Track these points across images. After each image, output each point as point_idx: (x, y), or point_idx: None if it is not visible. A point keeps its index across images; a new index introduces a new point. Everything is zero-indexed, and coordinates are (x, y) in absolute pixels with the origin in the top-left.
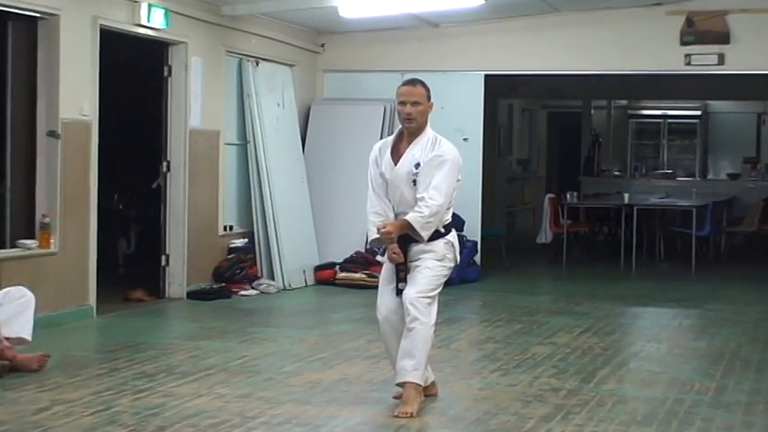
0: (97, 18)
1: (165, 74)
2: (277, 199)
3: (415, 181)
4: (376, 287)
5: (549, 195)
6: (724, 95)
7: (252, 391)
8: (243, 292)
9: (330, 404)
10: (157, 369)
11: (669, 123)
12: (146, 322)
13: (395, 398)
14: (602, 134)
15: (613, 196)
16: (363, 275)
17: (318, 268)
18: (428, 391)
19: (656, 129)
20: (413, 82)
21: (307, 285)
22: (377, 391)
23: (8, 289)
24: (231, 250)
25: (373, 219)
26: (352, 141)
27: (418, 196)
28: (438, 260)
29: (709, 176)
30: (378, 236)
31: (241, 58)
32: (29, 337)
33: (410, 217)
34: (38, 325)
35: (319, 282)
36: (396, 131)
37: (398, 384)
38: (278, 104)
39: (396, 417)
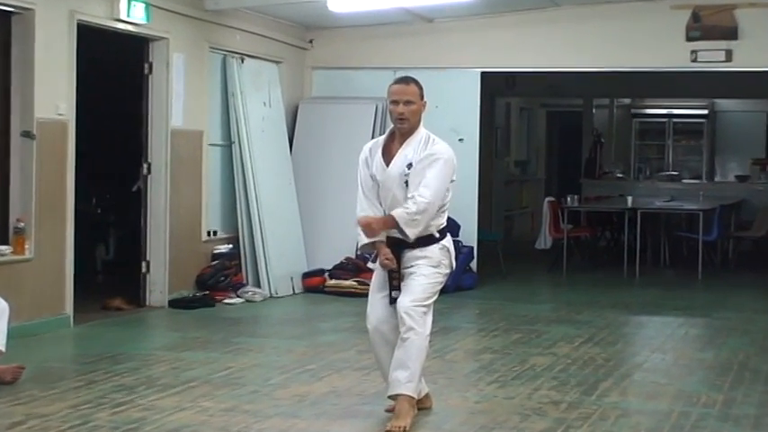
0: (74, 13)
1: (146, 71)
2: (263, 202)
3: (407, 182)
4: (367, 295)
5: (548, 198)
6: (732, 94)
7: (236, 405)
8: (227, 301)
9: (319, 418)
10: (137, 381)
11: (674, 123)
12: (125, 332)
13: (387, 411)
14: (604, 134)
15: (616, 199)
16: (354, 283)
17: (306, 275)
18: (422, 404)
19: (661, 129)
20: (405, 80)
21: (294, 293)
22: (368, 405)
23: None
24: (215, 256)
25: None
26: (342, 142)
27: (408, 195)
28: (433, 266)
29: (717, 179)
30: (368, 241)
31: (225, 55)
32: (2, 348)
33: (395, 212)
34: (12, 335)
35: (307, 289)
36: (387, 131)
37: (391, 397)
38: (264, 103)
39: (388, 431)
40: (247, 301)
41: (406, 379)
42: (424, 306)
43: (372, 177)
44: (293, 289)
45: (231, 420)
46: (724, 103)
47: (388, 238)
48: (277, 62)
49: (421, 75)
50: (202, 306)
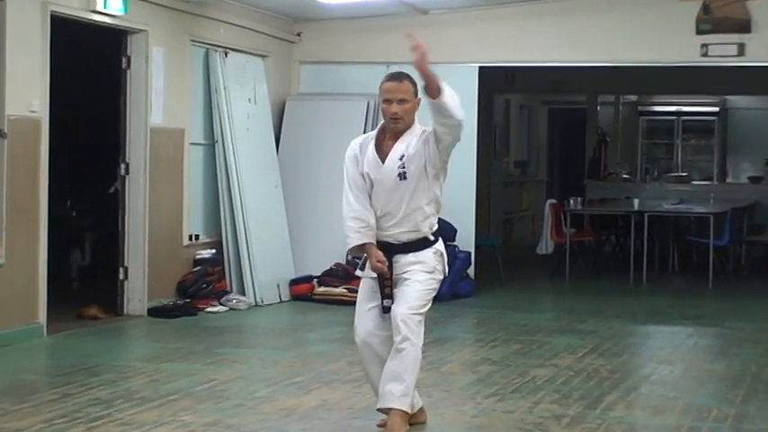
0: (48, 4)
1: (124, 65)
2: (248, 205)
3: (401, 174)
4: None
5: (550, 201)
6: (745, 90)
7: (220, 419)
8: (210, 309)
9: None
10: (115, 395)
11: (684, 121)
12: (102, 342)
13: (379, 426)
14: (609, 133)
15: (622, 202)
16: (344, 290)
17: (294, 282)
18: (416, 419)
19: (670, 127)
20: (398, 77)
21: (281, 301)
22: (359, 419)
23: None
24: (197, 262)
25: (352, 225)
26: (332, 141)
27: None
28: (428, 272)
29: (729, 180)
30: (356, 244)
31: (208, 49)
32: None
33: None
34: None
35: (295, 297)
36: (378, 127)
37: (382, 410)
38: (249, 100)
39: None
40: (231, 309)
41: (400, 392)
42: (420, 314)
43: (364, 176)
44: (280, 296)
45: None
46: (736, 100)
47: (379, 242)
48: (263, 56)
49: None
50: (184, 315)
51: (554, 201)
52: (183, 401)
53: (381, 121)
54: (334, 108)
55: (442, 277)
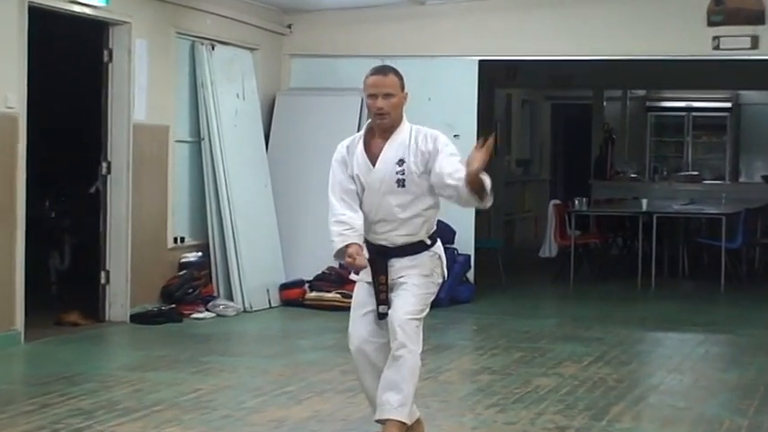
0: None
1: (105, 59)
2: (236, 206)
3: (399, 181)
4: (350, 308)
5: (553, 201)
6: (758, 84)
7: (206, 431)
8: (196, 315)
9: None
10: (96, 405)
11: (694, 117)
12: (82, 350)
13: None
14: (615, 130)
15: (629, 203)
16: (337, 295)
17: (284, 287)
18: (413, 431)
19: (679, 123)
20: (382, 70)
21: (271, 307)
22: (353, 431)
23: None
24: (182, 266)
25: (335, 229)
26: (324, 138)
27: (458, 176)
28: (425, 276)
29: (742, 179)
30: (342, 246)
31: (194, 41)
32: None
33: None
34: None
35: (285, 302)
36: (364, 128)
37: (379, 421)
38: (237, 95)
39: None
40: (218, 315)
41: (397, 402)
42: (418, 319)
43: (354, 178)
44: (269, 302)
45: None
46: (749, 95)
47: (372, 245)
48: (252, 49)
49: (412, 63)
50: (168, 321)
51: (558, 201)
52: (168, 412)
53: (368, 120)
54: (326, 104)
55: (440, 281)
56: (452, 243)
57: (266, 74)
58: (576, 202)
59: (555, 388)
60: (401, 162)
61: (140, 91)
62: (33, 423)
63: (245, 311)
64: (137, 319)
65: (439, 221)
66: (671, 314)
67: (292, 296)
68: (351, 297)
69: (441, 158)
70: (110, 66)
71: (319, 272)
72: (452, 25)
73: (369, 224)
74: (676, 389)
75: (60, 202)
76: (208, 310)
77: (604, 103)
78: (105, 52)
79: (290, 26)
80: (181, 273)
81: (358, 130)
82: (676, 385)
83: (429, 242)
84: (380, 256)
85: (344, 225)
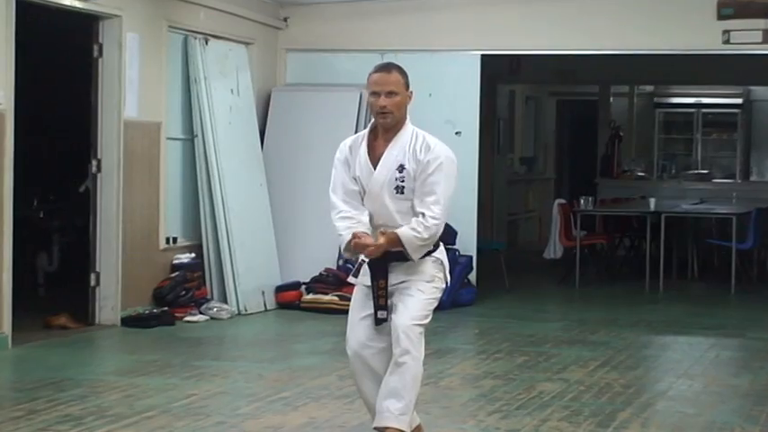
0: None
1: (95, 54)
2: (230, 205)
3: (398, 188)
4: (348, 311)
5: (558, 201)
6: None
7: None
8: (189, 318)
9: None
10: (85, 411)
11: (704, 114)
12: (71, 354)
13: None
14: (622, 127)
15: (636, 202)
16: (334, 298)
17: (280, 289)
18: None
19: (689, 120)
20: (386, 67)
21: (266, 309)
22: None
23: None
24: (175, 267)
25: (341, 224)
26: (321, 135)
27: (418, 210)
28: (428, 281)
29: (753, 178)
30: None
31: (187, 35)
32: None
33: (403, 233)
34: None
35: (281, 305)
36: (368, 127)
37: (378, 429)
38: (231, 91)
39: None
40: (212, 318)
41: (398, 411)
42: (422, 326)
43: (355, 180)
44: (265, 305)
45: None
46: (761, 91)
47: None
48: (246, 43)
49: (412, 58)
50: (160, 324)
51: (563, 201)
52: (160, 419)
53: (372, 120)
54: (323, 100)
55: (443, 286)
56: (454, 244)
57: (261, 69)
58: (582, 201)
59: (560, 393)
60: (401, 168)
61: (131, 87)
62: (21, 430)
63: (239, 314)
64: (128, 322)
65: None
66: (680, 317)
67: (288, 299)
68: (349, 300)
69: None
70: (100, 61)
71: (316, 274)
72: (454, 18)
73: (371, 228)
74: (685, 394)
75: (49, 202)
76: (201, 312)
77: (611, 100)
78: (95, 47)
79: (286, 20)
80: (173, 274)
81: (356, 128)
82: (685, 391)
83: (431, 247)
84: (380, 261)
85: (352, 219)
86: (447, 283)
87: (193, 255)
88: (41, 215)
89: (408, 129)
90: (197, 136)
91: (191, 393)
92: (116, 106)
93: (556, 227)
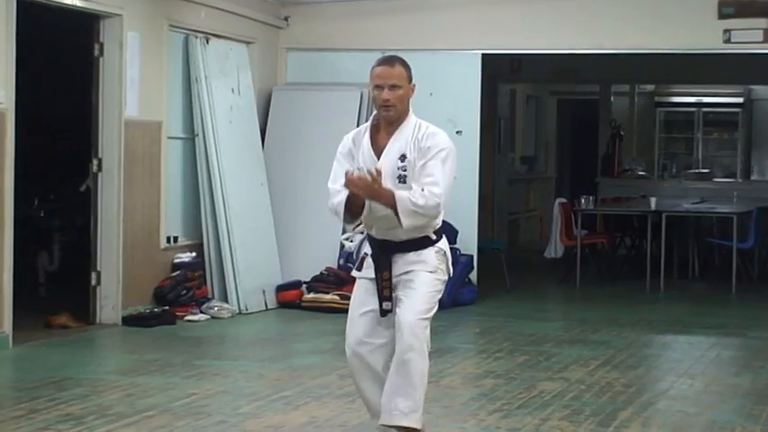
0: None
1: (96, 53)
2: (231, 205)
3: (401, 177)
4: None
5: (559, 200)
6: None
7: None
8: (190, 317)
9: None
10: (86, 410)
11: (704, 113)
12: (72, 354)
13: None
14: (623, 126)
15: (637, 201)
16: (335, 297)
17: (281, 288)
18: None
19: (689, 119)
20: (390, 61)
21: (267, 309)
22: None
23: None
24: (176, 266)
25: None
26: (322, 134)
27: (414, 185)
28: (431, 272)
29: (754, 177)
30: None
31: (188, 35)
32: None
33: (399, 193)
34: None
35: (282, 304)
36: (370, 119)
37: (385, 426)
38: (232, 90)
39: None
40: (213, 317)
41: (408, 408)
42: (427, 319)
43: (359, 171)
44: (266, 304)
45: None
46: (762, 91)
47: (375, 240)
48: (247, 43)
49: (413, 57)
50: (161, 323)
51: (564, 200)
52: (161, 418)
53: (374, 113)
54: (324, 99)
55: (446, 278)
56: (455, 243)
57: (262, 68)
58: (583, 200)
59: (560, 393)
60: (403, 158)
61: (132, 86)
62: (22, 429)
63: (240, 313)
64: (128, 321)
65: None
66: (681, 316)
67: (289, 298)
68: (349, 299)
69: (425, 164)
70: (100, 60)
71: (317, 273)
72: (454, 18)
73: (372, 220)
74: (686, 394)
75: (49, 201)
76: (202, 312)
77: (612, 99)
78: (96, 46)
79: (286, 19)
80: (174, 273)
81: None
82: (686, 390)
83: (434, 237)
84: (384, 252)
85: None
86: (450, 273)
87: (194, 254)
88: (42, 214)
89: (411, 121)
90: (198, 135)
91: (191, 392)
92: (117, 105)
93: (557, 226)
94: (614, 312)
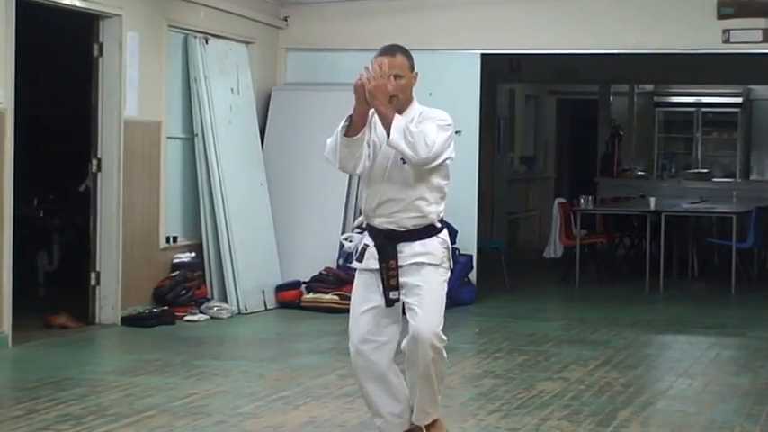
0: None
1: (95, 53)
2: (231, 205)
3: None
4: (348, 311)
5: (558, 200)
6: None
7: None
8: (189, 317)
9: None
10: (85, 410)
11: (704, 113)
12: (71, 354)
13: None
14: (622, 126)
15: (637, 201)
16: (335, 297)
17: (280, 288)
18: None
19: (689, 119)
20: (391, 50)
21: (266, 309)
22: None
23: None
24: (175, 266)
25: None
26: (322, 135)
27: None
28: (436, 265)
29: (753, 177)
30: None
31: (187, 35)
32: None
33: (398, 117)
34: None
35: (281, 304)
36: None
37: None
38: (232, 90)
39: None
40: (212, 317)
41: (432, 408)
42: (441, 325)
43: (370, 144)
44: (265, 304)
45: None
46: (761, 91)
47: (379, 230)
48: (247, 43)
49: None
50: (160, 323)
51: (563, 200)
52: (160, 418)
53: None
54: (323, 99)
55: (449, 274)
56: (454, 243)
57: (262, 68)
58: (582, 200)
59: (560, 393)
60: None
61: (131, 86)
62: (21, 429)
63: (239, 313)
64: (128, 321)
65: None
66: (680, 316)
67: (288, 298)
68: (349, 299)
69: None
70: (100, 60)
71: (316, 273)
72: (454, 18)
73: (376, 205)
74: (686, 393)
75: (49, 201)
76: (201, 312)
77: (611, 99)
78: (95, 46)
79: (286, 19)
80: (173, 274)
81: None
82: (686, 390)
83: (438, 226)
84: (389, 241)
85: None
86: (452, 265)
87: (193, 254)
88: (41, 214)
89: (416, 107)
90: (197, 135)
91: (191, 392)
92: (116, 105)
93: (556, 226)
94: (613, 312)
